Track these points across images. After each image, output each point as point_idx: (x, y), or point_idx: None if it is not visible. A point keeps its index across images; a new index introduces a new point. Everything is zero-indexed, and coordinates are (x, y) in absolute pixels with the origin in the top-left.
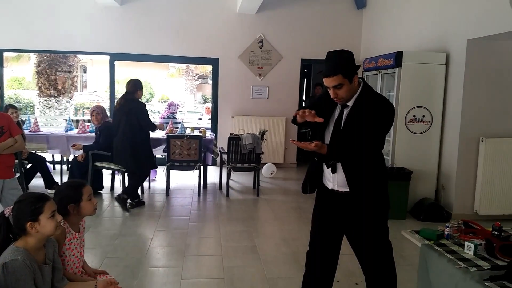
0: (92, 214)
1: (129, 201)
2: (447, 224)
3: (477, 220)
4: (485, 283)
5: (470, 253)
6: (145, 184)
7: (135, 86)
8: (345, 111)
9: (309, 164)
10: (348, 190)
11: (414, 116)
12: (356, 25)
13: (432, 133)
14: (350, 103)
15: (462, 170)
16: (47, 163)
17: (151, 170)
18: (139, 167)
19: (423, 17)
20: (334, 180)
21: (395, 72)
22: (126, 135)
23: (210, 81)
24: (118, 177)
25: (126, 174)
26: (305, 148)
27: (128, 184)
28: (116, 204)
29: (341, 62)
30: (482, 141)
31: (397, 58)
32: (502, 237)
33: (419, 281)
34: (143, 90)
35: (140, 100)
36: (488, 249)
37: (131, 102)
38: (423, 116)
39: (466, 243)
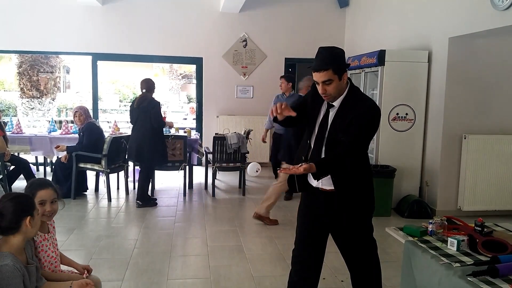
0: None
1: (137, 202)
2: (430, 221)
3: (461, 216)
4: (468, 278)
5: (453, 249)
6: (130, 184)
7: (148, 84)
8: (331, 112)
9: (296, 160)
10: (332, 188)
11: (398, 114)
12: (339, 24)
13: (416, 131)
14: (336, 104)
15: (446, 167)
16: (30, 165)
17: (136, 170)
18: (142, 160)
19: (406, 16)
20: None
21: (378, 71)
22: (139, 130)
23: (195, 81)
24: (102, 178)
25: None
26: (294, 173)
27: (137, 185)
28: (101, 205)
29: (332, 57)
30: (465, 138)
31: (380, 57)
32: (484, 233)
33: (403, 277)
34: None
35: (154, 98)
36: (471, 244)
37: (147, 100)
38: (406, 114)
39: (449, 239)
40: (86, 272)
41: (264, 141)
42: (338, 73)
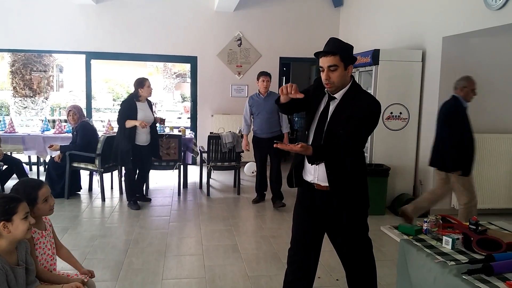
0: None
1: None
2: (425, 219)
3: (455, 215)
4: (463, 276)
5: (448, 247)
6: (123, 184)
7: (135, 85)
8: (332, 105)
9: (294, 156)
10: (327, 184)
11: (392, 113)
12: (333, 23)
13: (409, 130)
14: (338, 96)
15: None
16: (24, 164)
17: None
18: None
19: (400, 15)
20: (315, 173)
21: (372, 70)
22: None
23: (189, 80)
24: (96, 178)
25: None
26: (290, 150)
27: None
28: (95, 205)
29: (342, 46)
30: None
31: (374, 56)
32: (478, 231)
33: (398, 276)
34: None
35: (132, 96)
36: (465, 243)
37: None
38: (400, 113)
39: (444, 238)
40: (87, 276)
41: (247, 149)
42: (345, 62)
